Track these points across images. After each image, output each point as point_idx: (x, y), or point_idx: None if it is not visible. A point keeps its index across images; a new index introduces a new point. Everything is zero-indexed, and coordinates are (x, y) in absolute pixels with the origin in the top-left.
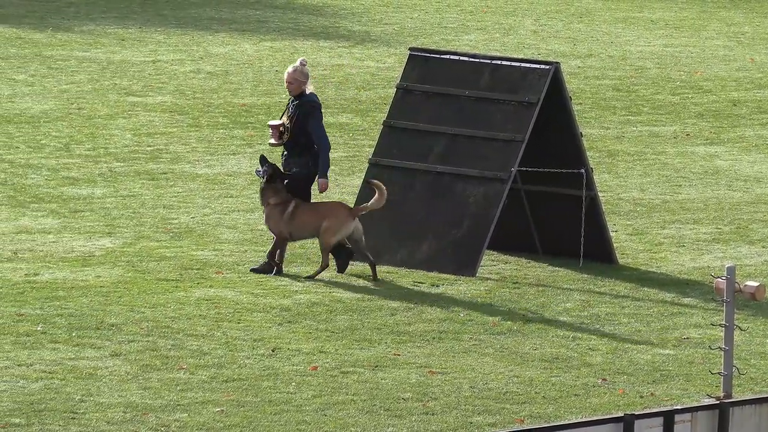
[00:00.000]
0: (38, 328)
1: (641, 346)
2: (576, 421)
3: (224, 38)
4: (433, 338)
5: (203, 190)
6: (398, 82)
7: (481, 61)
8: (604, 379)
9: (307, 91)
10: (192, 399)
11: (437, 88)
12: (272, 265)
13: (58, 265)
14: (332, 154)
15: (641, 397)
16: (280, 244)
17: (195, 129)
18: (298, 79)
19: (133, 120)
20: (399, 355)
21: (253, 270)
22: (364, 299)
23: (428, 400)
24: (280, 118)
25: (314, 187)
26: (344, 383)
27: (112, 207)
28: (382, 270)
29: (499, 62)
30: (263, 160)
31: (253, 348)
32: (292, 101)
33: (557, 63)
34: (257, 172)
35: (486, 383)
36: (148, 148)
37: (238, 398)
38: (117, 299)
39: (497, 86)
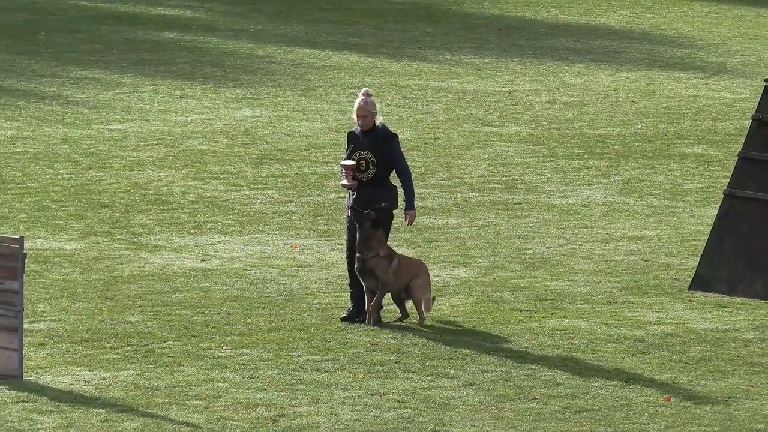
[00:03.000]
0: (392, 358)
1: None
2: None
3: (580, 69)
4: None
5: (558, 220)
6: (754, 113)
7: None
8: None
9: (377, 122)
10: (545, 429)
11: None
12: (375, 317)
13: None
14: (688, 185)
15: None
16: (381, 295)
17: (550, 159)
18: (371, 111)
19: (489, 150)
20: (752, 386)
21: (373, 324)
22: (718, 330)
23: None
24: (349, 157)
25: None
26: (697, 414)
27: (466, 237)
28: (736, 301)
29: None
30: (357, 210)
31: (607, 378)
32: (362, 135)
33: None
34: (360, 225)
35: None
36: (503, 178)
37: (591, 428)
38: (471, 329)
39: None
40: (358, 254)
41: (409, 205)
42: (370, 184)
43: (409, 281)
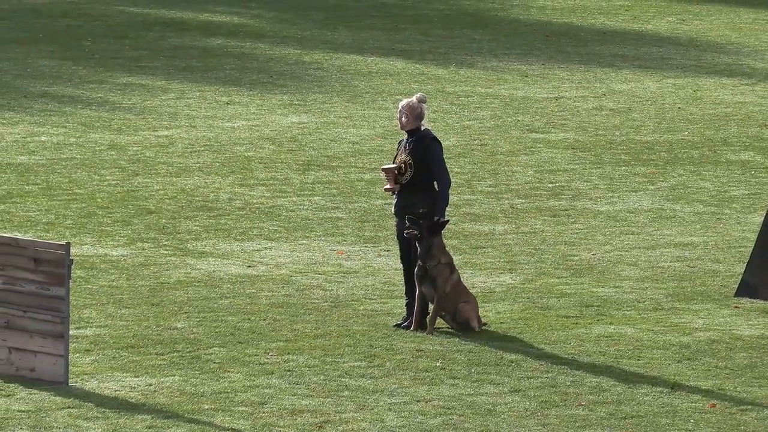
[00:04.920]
0: (437, 364)
1: None
2: None
3: (627, 75)
4: None
5: (604, 227)
6: None
7: None
8: None
9: (422, 128)
10: None
11: None
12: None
13: None
14: (734, 192)
15: None
16: (440, 306)
17: (597, 166)
18: (406, 112)
19: (536, 157)
20: None
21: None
22: (764, 337)
23: None
24: (394, 161)
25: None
26: (742, 421)
27: (513, 243)
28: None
29: None
30: (412, 220)
31: (652, 385)
32: (407, 138)
33: None
34: (409, 233)
35: None
36: (550, 185)
37: None
38: (517, 335)
39: None
40: (420, 263)
41: (438, 212)
42: (409, 188)
43: (458, 304)
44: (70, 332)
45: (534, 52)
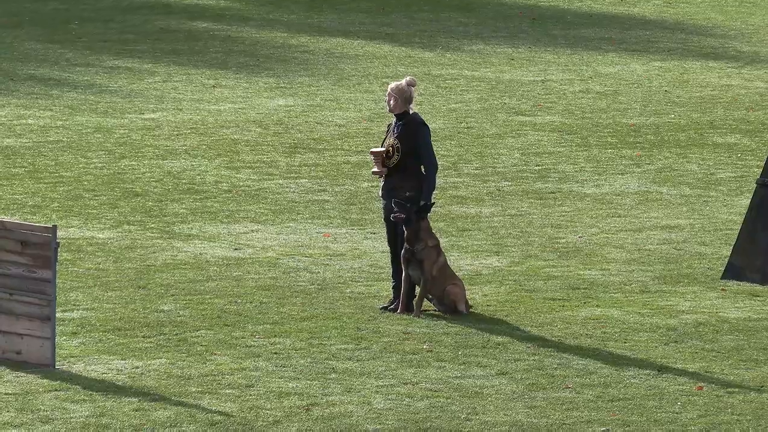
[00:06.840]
0: (424, 347)
1: None
2: None
3: (613, 58)
4: None
5: (591, 209)
6: None
7: None
8: None
9: (411, 111)
10: (577, 418)
11: None
12: (411, 308)
13: None
14: (721, 175)
15: None
16: (427, 289)
17: (583, 148)
18: (394, 95)
19: (522, 139)
20: None
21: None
22: (750, 320)
23: None
24: (382, 144)
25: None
26: (729, 403)
27: (499, 226)
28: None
29: None
30: (399, 204)
31: (639, 367)
32: (396, 122)
33: None
34: (396, 216)
35: None
36: (536, 168)
37: (624, 417)
38: (504, 318)
39: None
40: (407, 245)
41: (424, 196)
42: (397, 172)
43: (445, 286)
44: (57, 315)
45: (520, 35)
